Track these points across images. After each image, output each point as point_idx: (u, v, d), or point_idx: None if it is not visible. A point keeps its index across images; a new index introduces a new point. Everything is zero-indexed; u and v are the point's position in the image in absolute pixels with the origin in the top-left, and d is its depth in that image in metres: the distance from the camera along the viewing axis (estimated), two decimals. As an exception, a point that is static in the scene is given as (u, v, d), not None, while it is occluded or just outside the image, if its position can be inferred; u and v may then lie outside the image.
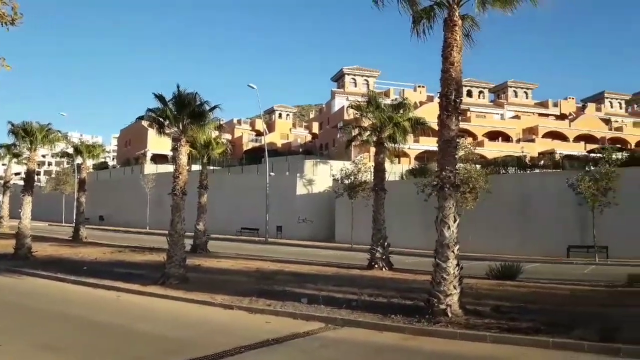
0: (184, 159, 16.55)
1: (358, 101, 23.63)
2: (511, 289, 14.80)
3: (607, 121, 68.25)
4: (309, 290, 13.54)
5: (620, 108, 75.36)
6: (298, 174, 47.09)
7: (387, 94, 62.55)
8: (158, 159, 67.13)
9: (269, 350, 8.21)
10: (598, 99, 74.76)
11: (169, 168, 46.91)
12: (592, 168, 29.11)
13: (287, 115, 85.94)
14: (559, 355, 7.98)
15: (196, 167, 34.20)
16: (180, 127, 16.90)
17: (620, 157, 33.76)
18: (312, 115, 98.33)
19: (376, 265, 20.48)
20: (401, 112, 21.90)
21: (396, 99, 27.74)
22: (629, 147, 58.53)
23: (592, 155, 39.65)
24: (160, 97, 16.99)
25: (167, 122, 17.44)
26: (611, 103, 74.59)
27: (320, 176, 46.77)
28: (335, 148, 58.14)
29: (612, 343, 8.21)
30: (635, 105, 75.91)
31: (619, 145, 53.79)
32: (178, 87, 16.81)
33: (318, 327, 9.84)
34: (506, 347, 8.49)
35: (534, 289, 14.86)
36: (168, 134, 18.29)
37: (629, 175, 27.48)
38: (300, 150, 72.07)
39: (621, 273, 18.77)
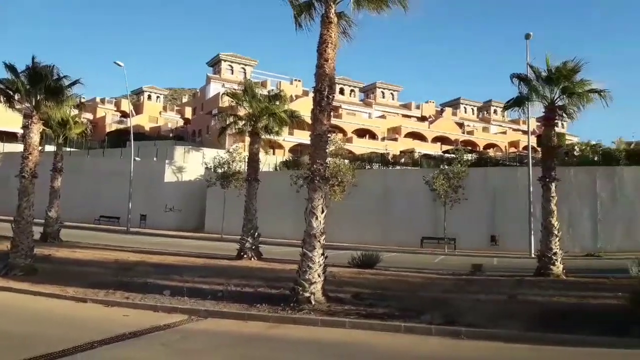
0: (35, 137, 14.91)
1: (234, 89, 23.30)
2: (370, 276, 15.73)
3: (461, 125, 75.43)
4: (173, 282, 13.05)
5: (473, 114, 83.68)
6: (167, 160, 45.12)
7: (263, 84, 62.33)
8: (6, 136, 59.82)
9: (125, 345, 7.75)
10: (454, 104, 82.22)
11: (19, 147, 42.09)
12: (446, 167, 31.99)
13: (158, 97, 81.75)
14: (409, 339, 8.62)
15: (51, 148, 31.07)
16: (33, 103, 15.22)
17: (470, 158, 37.60)
18: (185, 100, 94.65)
19: (245, 256, 20.43)
20: (277, 103, 22.02)
21: (272, 90, 27.77)
22: (478, 149, 65.35)
23: (447, 155, 43.59)
24: (10, 68, 15.18)
25: (17, 96, 15.62)
26: (465, 109, 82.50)
27: (192, 164, 45.31)
28: (209, 135, 56.72)
29: (455, 326, 9.10)
30: (485, 112, 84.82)
31: (469, 148, 59.84)
32: (33, 58, 15.17)
33: (180, 319, 9.53)
34: (363, 332, 8.97)
35: (391, 277, 15.94)
36: (19, 109, 16.39)
37: (475, 174, 30.69)
38: (171, 135, 69.10)
39: (466, 262, 20.95)
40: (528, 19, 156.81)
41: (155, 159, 47.04)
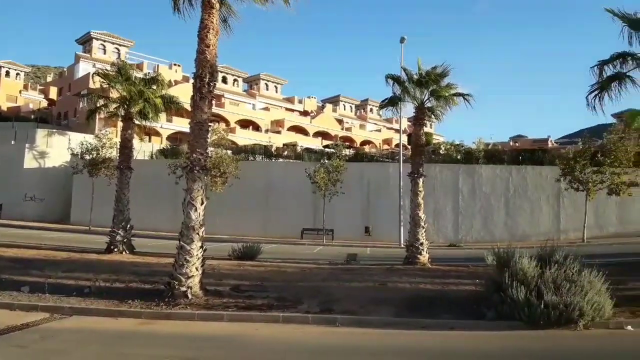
0: None
1: (106, 69, 21.66)
2: (251, 268, 15.70)
3: (340, 121, 78.04)
4: (32, 277, 11.87)
5: (351, 111, 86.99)
6: (27, 144, 40.79)
7: (140, 67, 58.75)
8: None
9: (-28, 350, 6.89)
10: (335, 101, 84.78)
11: None
12: (327, 161, 32.93)
13: (18, 74, 73.41)
14: (287, 328, 8.75)
15: None
16: None
17: (348, 153, 39.10)
18: (50, 79, 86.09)
19: (116, 249, 19.23)
20: (154, 87, 20.90)
21: (149, 73, 26.30)
22: (355, 145, 68.18)
23: (327, 150, 44.89)
24: None
25: None
26: (344, 106, 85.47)
27: (56, 148, 41.45)
28: (77, 119, 52.27)
29: (331, 314, 9.43)
30: (362, 110, 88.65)
31: (348, 143, 62.26)
32: None
33: (41, 317, 8.72)
34: (242, 324, 8.92)
35: (271, 268, 16.06)
36: None
37: (353, 169, 32.00)
38: (33, 117, 62.47)
39: (343, 252, 21.77)
40: (408, 21, 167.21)
41: (13, 142, 42.26)
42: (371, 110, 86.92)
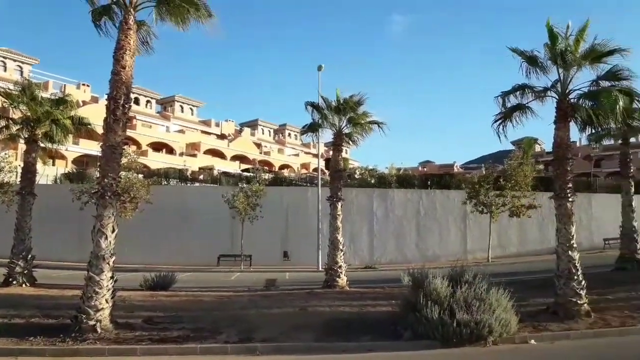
0: None
1: (9, 88, 20.11)
2: (165, 299, 15.04)
3: (258, 145, 77.95)
4: None
5: (270, 135, 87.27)
6: None
7: (45, 86, 55.34)
8: None
9: None
10: (253, 125, 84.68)
11: None
12: (245, 185, 32.60)
13: None
14: None
15: None
16: None
17: (267, 177, 39.02)
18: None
19: (15, 282, 17.60)
20: (62, 108, 19.66)
21: (56, 93, 24.79)
22: (274, 169, 68.26)
23: (245, 174, 44.55)
24: None
25: None
26: (263, 130, 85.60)
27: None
28: (-31, 140, 47.82)
29: (251, 343, 9.25)
30: (281, 135, 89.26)
31: (266, 167, 62.20)
32: None
33: None
34: (157, 358, 8.52)
35: (186, 298, 15.49)
36: None
37: (272, 193, 31.93)
38: None
39: (261, 278, 21.53)
40: (325, 51, 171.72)
41: None
42: (289, 134, 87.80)
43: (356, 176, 44.61)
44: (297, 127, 79.54)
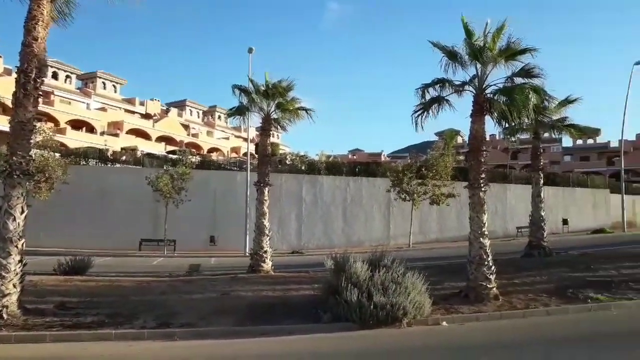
0: None
1: None
2: (80, 283, 14.40)
3: (186, 127, 75.72)
4: None
5: (198, 117, 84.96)
6: None
7: (-53, 54, 50.56)
8: None
9: None
10: (181, 105, 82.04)
11: None
12: (171, 168, 31.65)
13: None
14: (120, 346, 8.24)
15: None
16: None
17: (194, 160, 38.08)
18: None
19: None
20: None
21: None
22: (202, 152, 66.69)
23: (171, 156, 43.18)
24: None
25: None
26: (191, 111, 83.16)
27: None
28: None
29: (169, 328, 9.10)
30: (210, 117, 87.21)
31: (194, 150, 60.62)
32: None
33: None
34: (69, 344, 8.19)
35: (103, 283, 14.92)
36: None
37: (199, 176, 31.27)
38: None
39: (185, 264, 21.13)
40: (257, 32, 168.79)
41: None
42: (219, 117, 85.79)
43: (287, 162, 44.60)
44: (227, 109, 78.08)
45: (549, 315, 11.08)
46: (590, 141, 73.68)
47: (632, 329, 9.84)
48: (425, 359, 7.98)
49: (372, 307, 9.70)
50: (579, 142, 71.53)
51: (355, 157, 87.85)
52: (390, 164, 43.07)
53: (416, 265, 11.89)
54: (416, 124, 13.69)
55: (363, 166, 40.69)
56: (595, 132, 50.32)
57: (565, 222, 38.99)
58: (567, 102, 20.03)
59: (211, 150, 73.42)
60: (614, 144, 66.50)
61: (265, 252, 18.64)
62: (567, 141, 71.69)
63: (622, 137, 41.61)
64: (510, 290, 12.91)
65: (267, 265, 18.46)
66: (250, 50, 29.38)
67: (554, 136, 27.42)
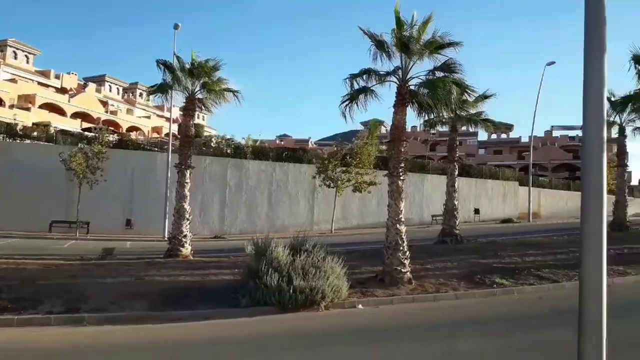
0: None
1: None
2: (-21, 267, 13.34)
3: (105, 103, 71.77)
4: None
5: (118, 94, 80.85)
6: None
7: None
8: None
9: None
10: (99, 80, 77.59)
11: None
12: (86, 146, 29.96)
13: None
14: (22, 332, 7.76)
15: None
16: None
17: (112, 139, 36.27)
18: None
19: None
20: None
21: None
22: (121, 130, 63.56)
23: (88, 133, 40.84)
24: None
25: None
26: (111, 87, 78.96)
27: None
28: None
29: (77, 313, 8.68)
30: (131, 94, 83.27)
31: (112, 128, 57.73)
32: None
33: None
34: (-39, 332, 7.58)
35: (6, 266, 13.89)
36: None
37: (116, 156, 29.87)
38: None
39: (99, 247, 20.12)
40: (186, 8, 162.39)
41: None
42: (141, 94, 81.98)
43: (212, 145, 43.61)
44: (149, 86, 74.87)
45: (457, 299, 11.74)
46: (503, 136, 78.45)
47: (528, 312, 10.65)
48: (339, 340, 8.18)
49: (291, 291, 9.80)
50: (493, 136, 76.03)
51: (282, 142, 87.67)
52: (317, 151, 43.50)
53: (336, 250, 12.11)
54: (344, 115, 13.87)
55: (290, 152, 40.72)
56: (509, 127, 53.76)
57: (476, 211, 41.29)
58: (484, 97, 21.02)
59: (131, 129, 70.14)
60: (525, 139, 71.20)
61: (185, 236, 18.17)
62: (482, 135, 75.96)
63: (532, 133, 44.65)
64: (423, 274, 13.52)
65: (186, 249, 18.01)
66: (176, 27, 28.28)
67: (470, 130, 28.80)
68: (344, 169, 32.10)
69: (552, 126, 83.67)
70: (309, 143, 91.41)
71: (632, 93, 20.07)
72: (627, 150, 26.19)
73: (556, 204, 49.87)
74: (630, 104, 20.63)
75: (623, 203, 25.22)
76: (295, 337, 8.46)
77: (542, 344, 7.53)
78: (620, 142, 25.52)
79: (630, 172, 51.37)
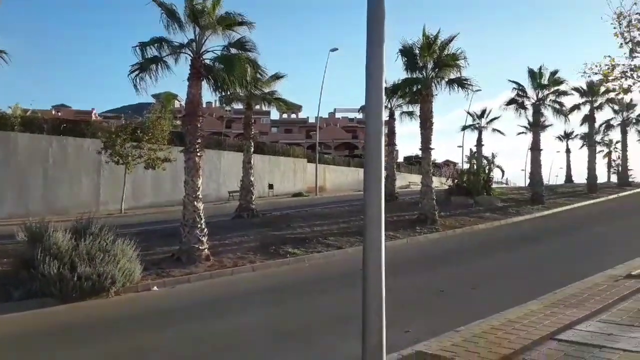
0: None
1: None
2: None
3: None
4: None
5: None
6: None
7: None
8: None
9: None
10: None
11: None
12: None
13: None
14: None
15: None
16: None
17: None
18: None
19: None
20: None
21: None
22: None
23: None
24: None
25: None
26: None
27: None
28: None
29: None
30: None
31: None
32: None
33: None
34: None
35: None
36: None
37: None
38: None
39: None
40: None
41: None
42: None
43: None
44: None
45: (254, 271, 12.17)
46: (293, 116, 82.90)
47: (315, 277, 11.64)
48: (127, 325, 7.79)
49: (75, 278, 8.92)
50: (285, 116, 79.73)
51: (60, 113, 77.89)
52: (102, 124, 39.71)
53: (128, 232, 11.39)
54: (135, 85, 12.90)
55: (70, 124, 36.35)
56: (298, 108, 57.19)
57: (270, 186, 43.12)
58: (276, 77, 21.77)
59: None
60: (312, 120, 76.41)
61: None
62: (274, 114, 79.03)
63: (318, 114, 48.27)
64: (220, 250, 13.63)
65: None
66: None
67: (264, 108, 29.72)
68: (135, 144, 30.06)
69: (335, 108, 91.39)
70: (93, 115, 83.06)
71: (399, 81, 22.95)
72: (396, 131, 30.39)
73: (339, 178, 54.97)
74: (399, 91, 23.57)
75: (392, 177, 29.10)
76: (75, 327, 7.82)
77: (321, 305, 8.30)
78: (390, 124, 29.21)
79: (397, 151, 59.52)
